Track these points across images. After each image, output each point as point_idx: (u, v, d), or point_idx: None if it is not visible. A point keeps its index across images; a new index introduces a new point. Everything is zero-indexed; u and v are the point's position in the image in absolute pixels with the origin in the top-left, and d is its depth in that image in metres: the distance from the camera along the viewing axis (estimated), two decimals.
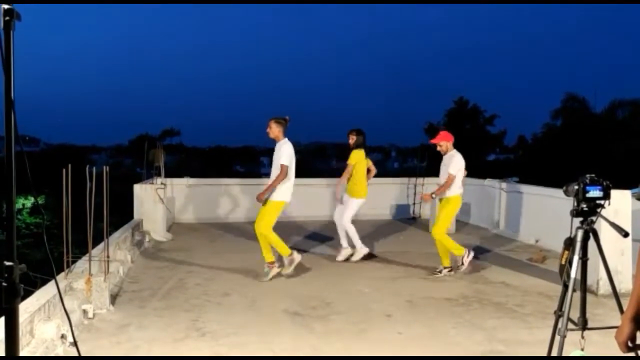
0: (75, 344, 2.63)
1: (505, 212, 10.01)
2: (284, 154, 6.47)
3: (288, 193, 6.56)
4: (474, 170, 7.13)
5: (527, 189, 9.50)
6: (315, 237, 9.38)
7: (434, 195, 6.93)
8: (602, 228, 3.98)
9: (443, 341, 4.55)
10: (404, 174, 13.37)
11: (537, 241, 8.80)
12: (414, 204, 12.18)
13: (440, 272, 6.77)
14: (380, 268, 7.26)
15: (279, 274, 6.55)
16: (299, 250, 7.07)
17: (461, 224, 10.64)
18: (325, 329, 4.83)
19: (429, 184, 11.64)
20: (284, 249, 6.56)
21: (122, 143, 61.49)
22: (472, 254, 6.82)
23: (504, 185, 10.10)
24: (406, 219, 11.86)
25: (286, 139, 6.61)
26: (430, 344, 4.49)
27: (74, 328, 4.37)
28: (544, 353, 3.52)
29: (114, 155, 58.92)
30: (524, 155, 42.75)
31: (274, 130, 6.60)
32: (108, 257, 5.67)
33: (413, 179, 12.29)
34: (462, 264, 6.77)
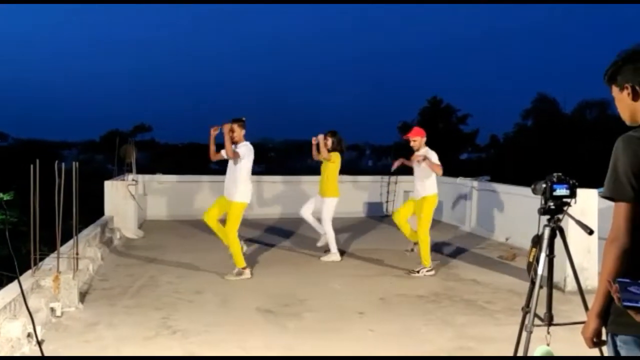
0: (38, 343, 2.58)
1: (477, 210, 10.14)
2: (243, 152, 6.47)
3: (249, 194, 6.56)
4: (446, 169, 7.17)
5: (498, 188, 9.64)
6: (287, 235, 9.36)
7: (419, 161, 6.71)
8: (569, 226, 4.06)
9: (414, 338, 4.60)
10: (379, 172, 13.43)
11: (507, 239, 8.93)
12: (387, 202, 12.27)
13: (418, 272, 6.74)
14: (353, 265, 7.29)
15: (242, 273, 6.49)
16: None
17: (433, 222, 10.55)
18: (298, 326, 4.83)
19: (402, 182, 11.76)
20: (240, 260, 6.49)
21: (93, 138, 60.34)
22: (432, 272, 6.73)
23: (475, 184, 10.23)
24: (379, 216, 11.93)
25: (247, 142, 6.58)
26: (402, 341, 4.53)
27: (41, 326, 4.29)
28: (512, 349, 3.57)
29: (85, 150, 57.84)
30: (495, 154, 43.48)
31: (239, 133, 6.54)
32: (77, 254, 5.58)
33: (386, 177, 12.37)
34: (418, 272, 6.70)
